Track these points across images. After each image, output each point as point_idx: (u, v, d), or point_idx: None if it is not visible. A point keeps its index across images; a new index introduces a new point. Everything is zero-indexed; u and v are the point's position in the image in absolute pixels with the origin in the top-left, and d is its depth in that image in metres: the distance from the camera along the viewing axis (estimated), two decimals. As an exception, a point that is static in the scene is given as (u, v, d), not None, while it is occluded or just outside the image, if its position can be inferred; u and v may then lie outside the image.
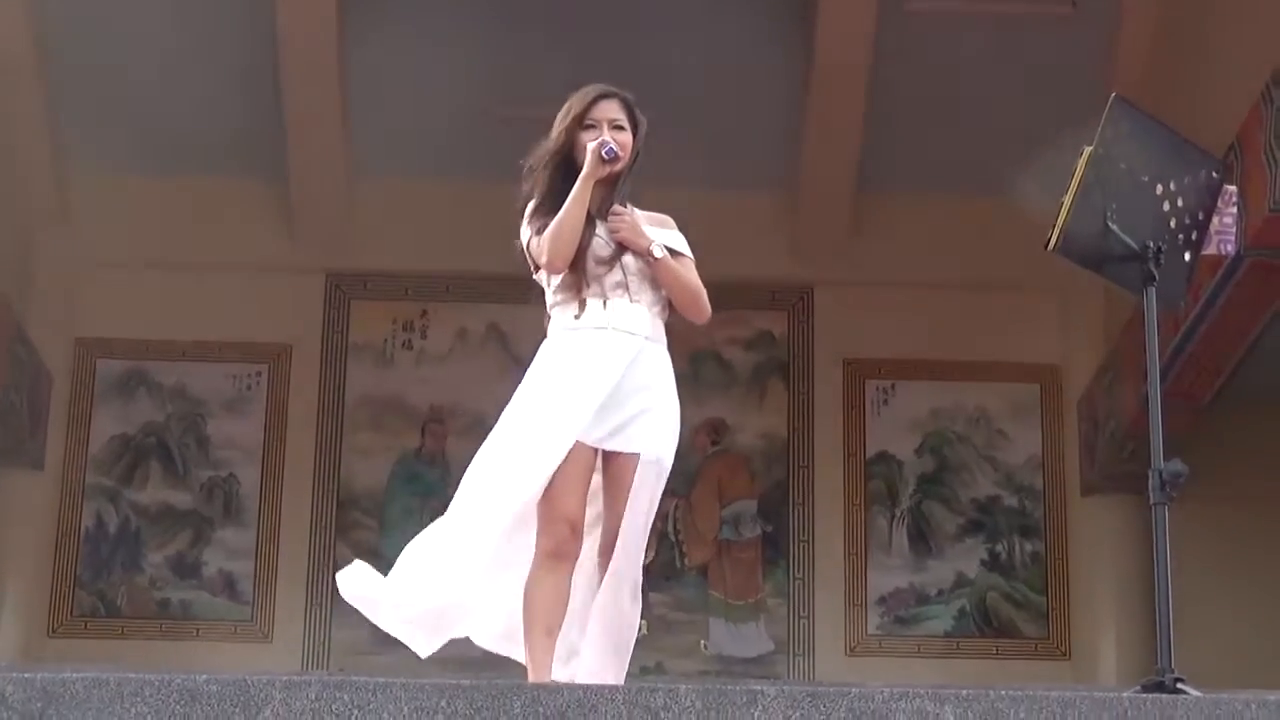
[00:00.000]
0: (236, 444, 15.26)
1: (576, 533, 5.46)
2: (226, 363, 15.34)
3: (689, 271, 5.80)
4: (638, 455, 5.48)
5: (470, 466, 5.54)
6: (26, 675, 4.47)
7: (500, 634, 5.61)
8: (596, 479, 5.57)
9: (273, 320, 15.28)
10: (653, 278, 5.70)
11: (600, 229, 5.63)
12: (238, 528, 15.16)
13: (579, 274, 5.59)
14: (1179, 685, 5.29)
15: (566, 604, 5.44)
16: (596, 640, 5.47)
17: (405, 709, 4.37)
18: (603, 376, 5.45)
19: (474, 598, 5.54)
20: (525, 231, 5.71)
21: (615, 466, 5.52)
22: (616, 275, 5.63)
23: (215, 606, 15.02)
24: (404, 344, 15.23)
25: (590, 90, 5.77)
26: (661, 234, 5.77)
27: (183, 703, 4.39)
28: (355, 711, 4.38)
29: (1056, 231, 5.72)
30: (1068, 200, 5.72)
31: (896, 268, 15.13)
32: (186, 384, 15.39)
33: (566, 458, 5.39)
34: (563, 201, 5.57)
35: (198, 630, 14.92)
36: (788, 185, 15.12)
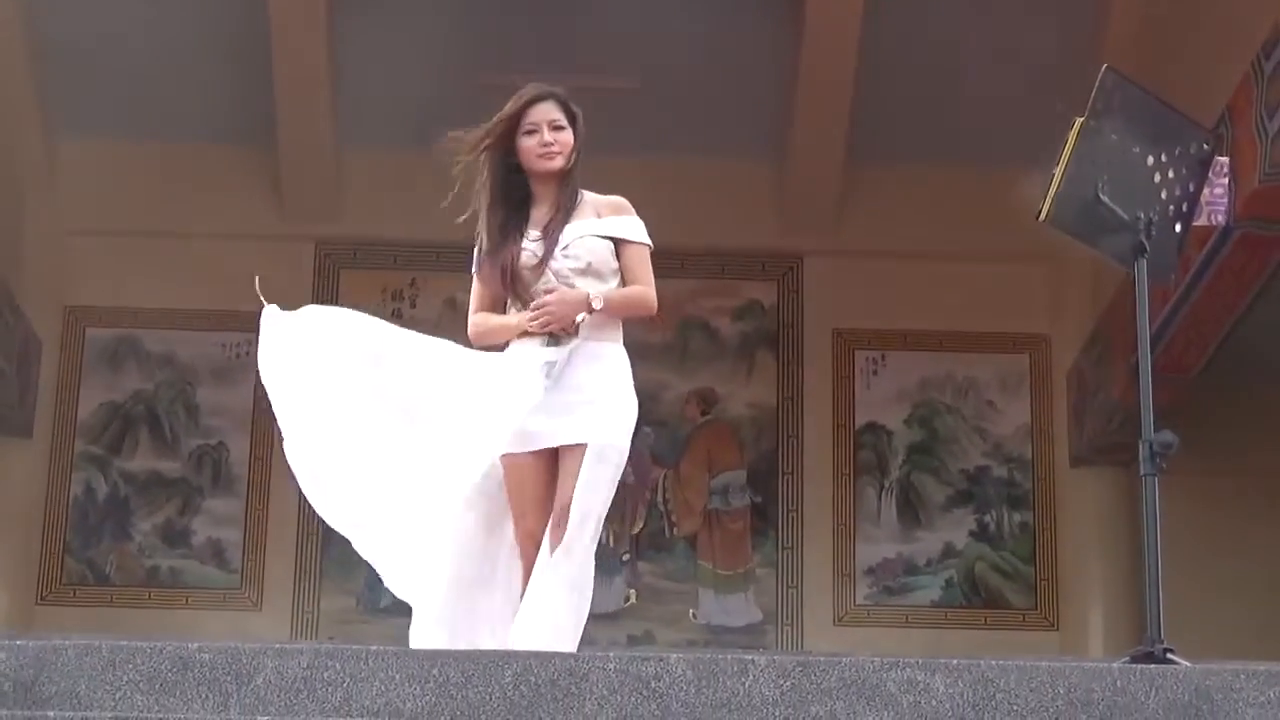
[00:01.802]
0: (225, 412, 15.25)
1: (536, 543, 5.65)
2: (216, 331, 15.31)
3: (636, 286, 5.87)
4: (583, 445, 5.60)
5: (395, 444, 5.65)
6: (18, 643, 4.48)
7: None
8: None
9: (262, 289, 15.23)
10: (588, 282, 5.75)
11: (527, 242, 5.75)
12: (227, 496, 15.16)
13: (518, 287, 5.76)
14: (1168, 655, 5.31)
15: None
16: (533, 617, 5.52)
17: (397, 677, 4.39)
18: (532, 390, 5.56)
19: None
20: (476, 257, 5.87)
21: (565, 457, 5.63)
22: (548, 281, 5.74)
23: (204, 575, 15.03)
24: (393, 313, 15.20)
25: (524, 93, 5.84)
26: (616, 221, 5.83)
27: (175, 670, 4.40)
28: (347, 679, 4.39)
29: (1047, 202, 5.73)
30: (1058, 171, 5.73)
31: (887, 238, 15.13)
32: (175, 352, 15.38)
33: (519, 471, 5.59)
34: (511, 213, 5.72)
35: (187, 598, 14.94)
36: (778, 155, 15.11)
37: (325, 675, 4.39)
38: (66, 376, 15.32)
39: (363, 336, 5.82)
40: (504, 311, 5.83)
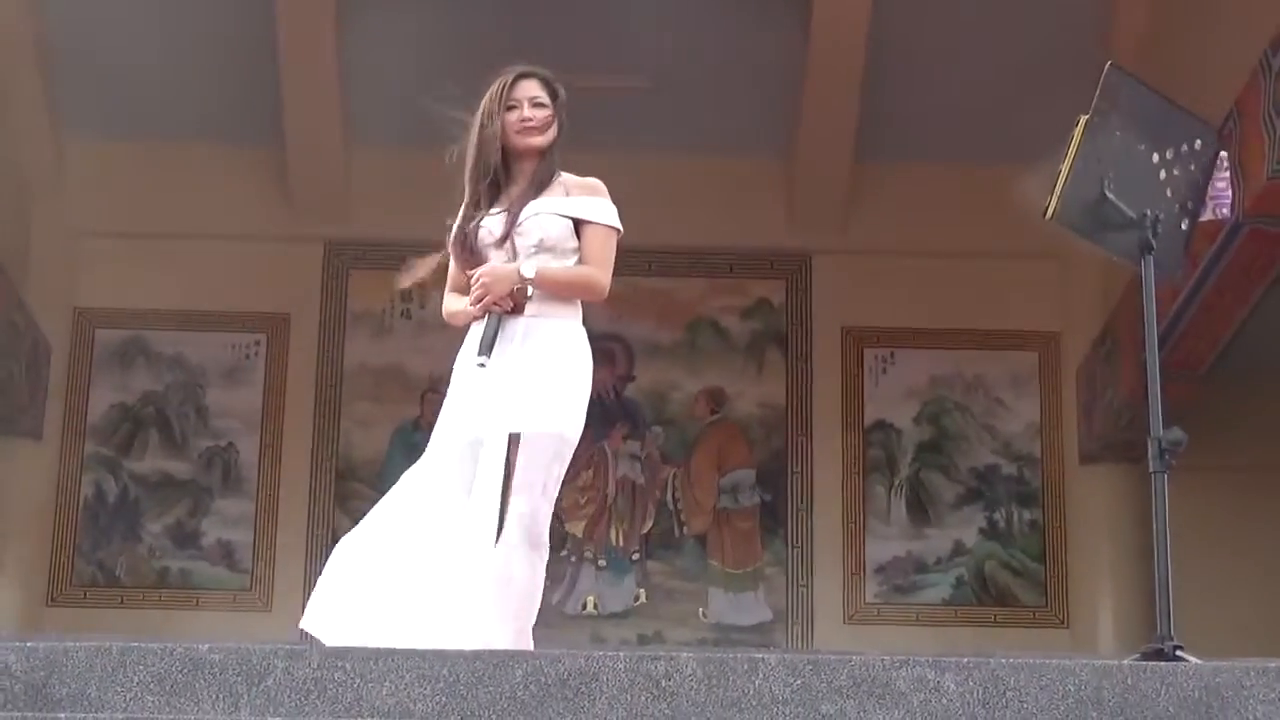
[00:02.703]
0: (235, 413, 15.27)
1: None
2: (225, 332, 15.34)
3: (585, 266, 5.79)
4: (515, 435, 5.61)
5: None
6: (29, 645, 4.49)
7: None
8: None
9: (271, 289, 15.28)
10: (543, 259, 5.75)
11: (489, 218, 5.77)
12: (237, 497, 15.18)
13: (477, 261, 5.77)
14: (1178, 653, 5.32)
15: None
16: (486, 607, 5.50)
17: (407, 677, 4.40)
18: (472, 372, 5.61)
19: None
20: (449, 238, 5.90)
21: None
22: (505, 257, 5.74)
23: (214, 576, 15.04)
24: (403, 313, 15.25)
25: (509, 72, 5.91)
26: (580, 201, 5.83)
27: (186, 671, 4.41)
28: (357, 680, 4.40)
29: (1054, 200, 5.74)
30: (1065, 169, 5.73)
31: (895, 236, 15.14)
32: (185, 353, 15.39)
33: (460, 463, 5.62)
34: (489, 186, 5.73)
35: (197, 600, 14.95)
36: (787, 154, 15.11)
37: (336, 676, 4.40)
38: (76, 378, 15.33)
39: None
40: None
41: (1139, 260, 5.79)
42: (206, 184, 14.91)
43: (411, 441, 15.02)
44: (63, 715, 4.28)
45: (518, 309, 5.66)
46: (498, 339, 5.63)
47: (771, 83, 14.48)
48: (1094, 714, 4.48)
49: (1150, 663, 5.08)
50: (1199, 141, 6.00)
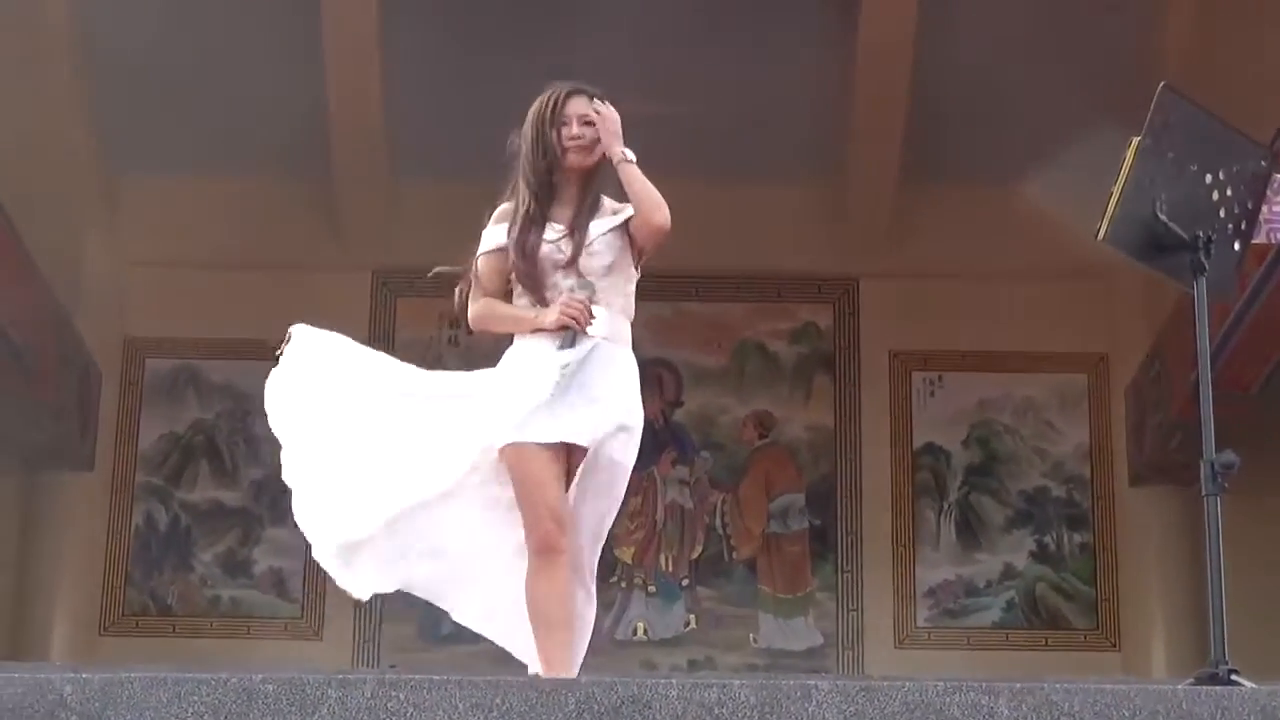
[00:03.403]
0: (285, 442, 15.29)
1: (562, 526, 5.48)
2: (274, 361, 15.37)
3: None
4: (589, 452, 5.53)
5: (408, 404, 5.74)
6: (84, 675, 4.50)
7: (479, 615, 5.72)
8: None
9: (320, 318, 15.14)
10: (613, 280, 5.68)
11: (550, 232, 5.67)
12: (287, 525, 15.03)
13: (536, 278, 5.66)
14: (1233, 677, 5.28)
15: (566, 598, 5.48)
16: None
17: (460, 706, 4.39)
18: (543, 386, 5.50)
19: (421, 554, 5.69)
20: (486, 239, 5.80)
21: (574, 462, 5.57)
22: (572, 278, 5.65)
23: (265, 604, 15.08)
24: (450, 340, 15.27)
25: (559, 88, 5.78)
26: (623, 213, 5.71)
27: (240, 702, 4.41)
28: (410, 709, 4.39)
29: (1105, 222, 5.71)
30: (1116, 191, 5.71)
31: (941, 259, 15.11)
32: (235, 382, 15.43)
33: (534, 460, 5.47)
34: (538, 199, 5.66)
35: (248, 628, 14.99)
36: (833, 178, 15.11)
37: (389, 705, 4.39)
38: (127, 408, 15.41)
39: (370, 364, 5.84)
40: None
41: (1191, 282, 5.76)
42: (255, 215, 14.97)
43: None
44: (117, 746, 4.28)
45: (581, 322, 5.56)
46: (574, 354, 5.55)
47: (818, 108, 14.49)
48: (1149, 739, 4.46)
49: (1205, 687, 5.05)
50: (1252, 162, 5.97)
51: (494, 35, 13.62)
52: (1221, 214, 5.87)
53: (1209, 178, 5.84)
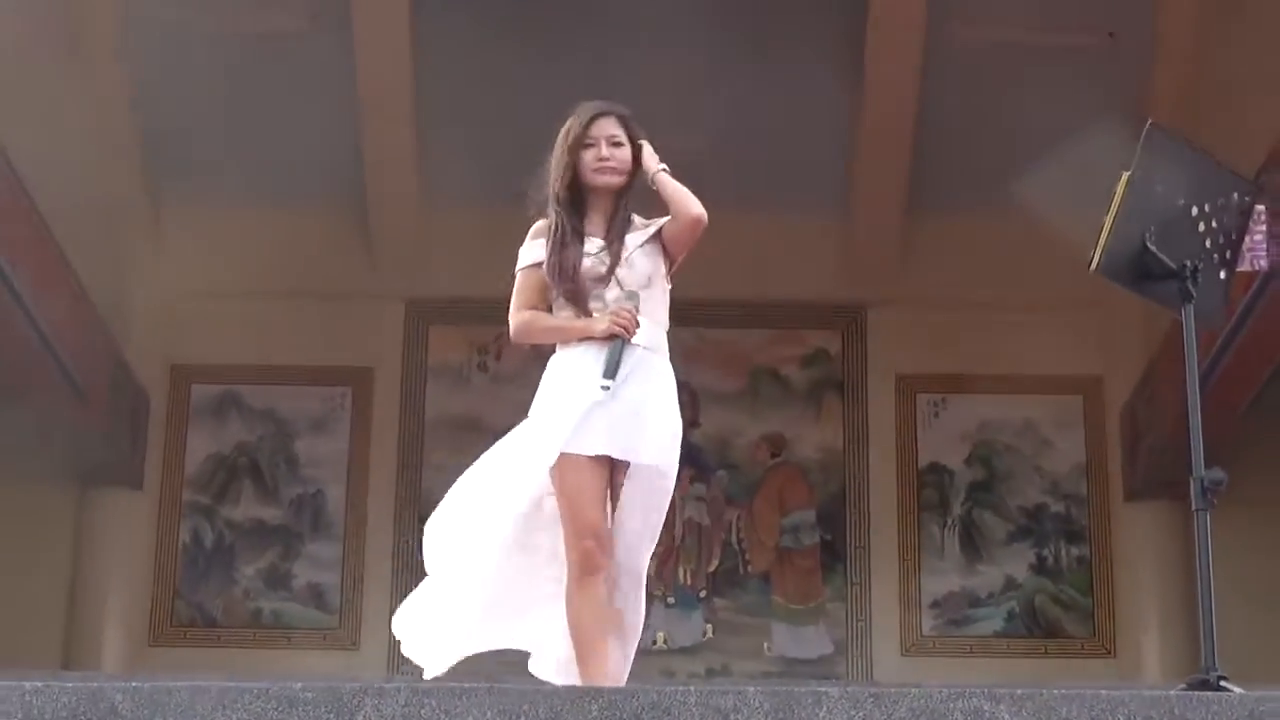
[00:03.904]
0: (323, 462, 15.33)
1: (602, 543, 5.41)
2: (313, 385, 15.40)
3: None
4: (639, 466, 5.46)
5: (471, 472, 5.66)
6: (135, 684, 4.50)
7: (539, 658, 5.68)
8: None
9: (356, 345, 15.34)
10: (651, 291, 5.61)
11: (589, 246, 5.58)
12: (325, 541, 15.22)
13: (579, 292, 5.56)
14: (1222, 683, 5.27)
15: (607, 614, 5.43)
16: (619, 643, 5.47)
17: (489, 713, 4.38)
18: (594, 390, 5.44)
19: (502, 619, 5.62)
20: (524, 255, 5.71)
21: (616, 470, 5.49)
22: (614, 290, 5.56)
23: (305, 616, 15.08)
24: (479, 366, 15.29)
25: (588, 109, 5.67)
26: (655, 225, 5.66)
27: (281, 709, 4.41)
28: (442, 716, 4.39)
29: (1098, 252, 5.71)
30: (1108, 223, 5.71)
31: (945, 288, 15.10)
32: (276, 406, 15.47)
33: (579, 472, 5.40)
34: (570, 222, 5.58)
35: (289, 638, 14.99)
36: (841, 212, 15.11)
37: (422, 712, 4.39)
38: (174, 430, 15.42)
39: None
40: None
41: (1180, 308, 5.76)
42: (294, 246, 14.97)
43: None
44: (166, 752, 4.29)
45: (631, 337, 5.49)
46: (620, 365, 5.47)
47: (826, 145, 14.50)
48: (1143, 742, 4.45)
49: (1196, 692, 5.04)
50: (1236, 195, 5.97)
51: (522, 73, 13.64)
52: (1208, 244, 5.86)
53: (1195, 210, 5.84)
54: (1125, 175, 5.72)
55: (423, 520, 14.91)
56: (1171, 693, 4.90)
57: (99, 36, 13.79)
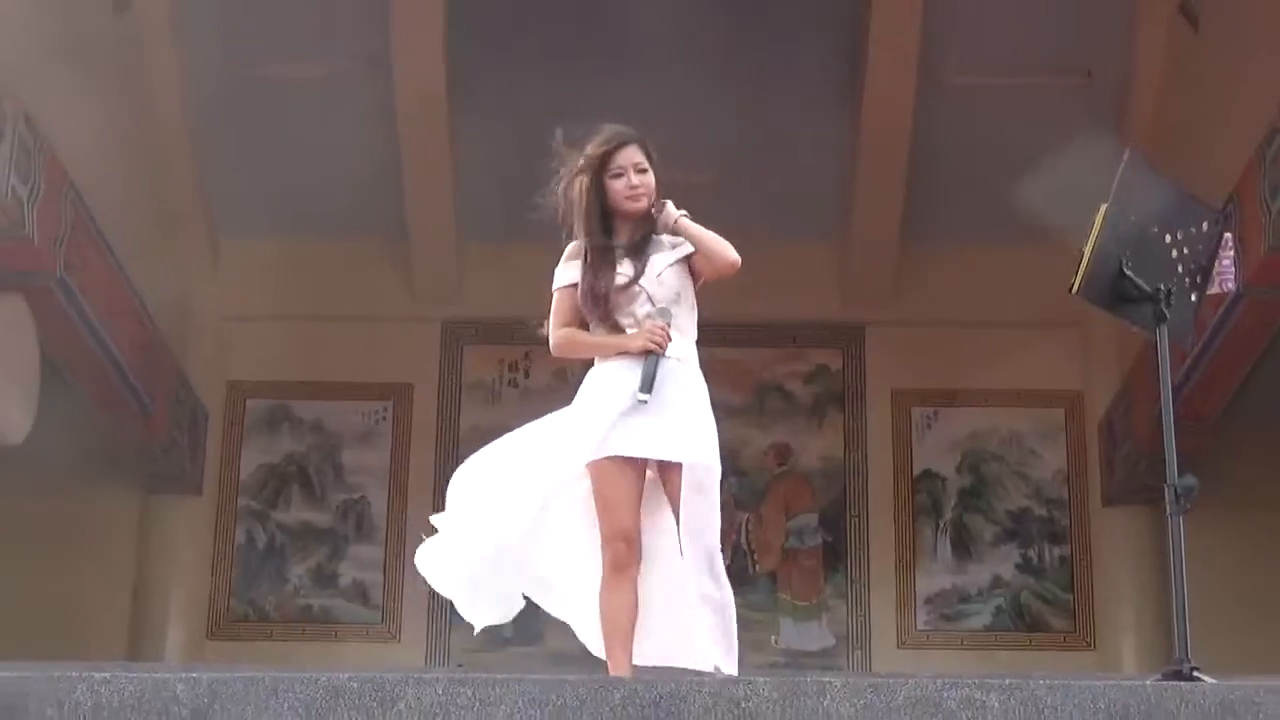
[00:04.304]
0: (367, 471, 15.33)
1: (632, 546, 5.39)
2: (357, 400, 15.41)
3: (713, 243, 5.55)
4: (680, 466, 5.44)
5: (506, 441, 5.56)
6: (194, 675, 4.50)
7: (574, 615, 5.62)
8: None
9: (396, 363, 15.36)
10: (681, 307, 5.58)
11: (621, 266, 5.54)
12: (369, 543, 15.21)
13: (611, 314, 5.53)
14: (1195, 673, 5.25)
15: (634, 609, 5.41)
16: (708, 631, 5.42)
17: (520, 701, 4.38)
18: (628, 395, 5.42)
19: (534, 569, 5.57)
20: (560, 275, 5.67)
21: (665, 474, 5.47)
22: (645, 306, 5.53)
23: (350, 611, 15.07)
24: (510, 382, 15.28)
25: (610, 138, 5.63)
26: (686, 243, 5.62)
27: (328, 698, 4.40)
28: (477, 704, 4.38)
29: (1078, 277, 5.70)
30: (1087, 250, 5.70)
31: (937, 309, 15.08)
32: (323, 419, 15.47)
33: (616, 478, 5.37)
34: (602, 244, 5.54)
35: (335, 632, 14.98)
36: (841, 239, 15.11)
37: (459, 701, 4.38)
38: (230, 442, 15.43)
39: (508, 438, 5.69)
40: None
41: (1154, 329, 5.75)
42: (340, 273, 15.02)
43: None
44: (222, 737, 4.28)
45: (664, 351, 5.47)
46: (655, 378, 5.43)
47: (827, 177, 14.50)
48: (1122, 729, 4.43)
49: (1171, 682, 5.02)
50: (1205, 223, 5.95)
51: (549, 116, 13.64)
52: (1180, 269, 5.85)
53: (1168, 237, 5.83)
54: (1103, 207, 5.72)
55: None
56: (1148, 682, 4.88)
57: (163, 81, 13.83)
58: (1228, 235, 6.12)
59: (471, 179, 14.42)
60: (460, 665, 13.95)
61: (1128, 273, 5.72)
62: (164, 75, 13.81)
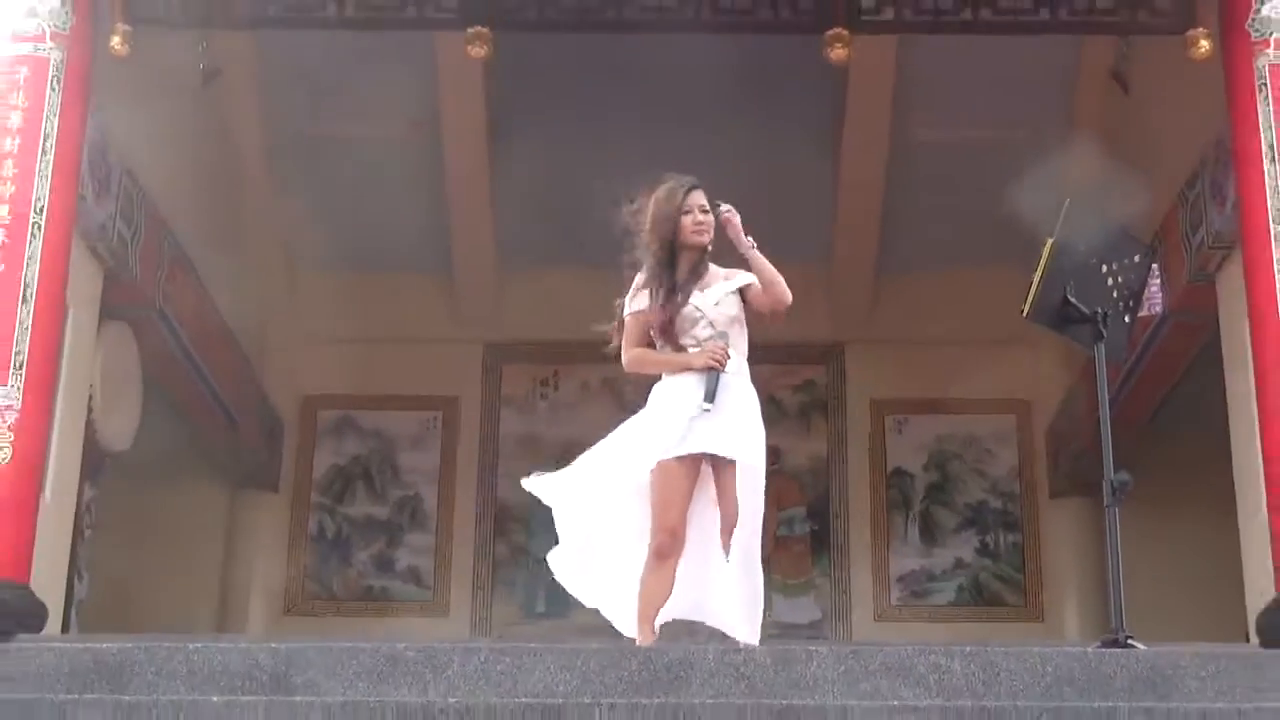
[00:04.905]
0: (420, 471, 15.31)
1: (677, 538, 5.45)
2: (411, 411, 15.39)
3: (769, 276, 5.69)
4: (735, 463, 5.52)
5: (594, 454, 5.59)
6: (273, 646, 4.51)
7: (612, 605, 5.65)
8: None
9: (444, 379, 15.35)
10: (736, 329, 5.67)
11: (689, 294, 5.63)
12: (422, 533, 15.19)
13: (675, 332, 5.61)
14: (1129, 641, 5.24)
15: (669, 593, 5.44)
16: (736, 603, 5.47)
17: (551, 667, 4.39)
18: (693, 405, 5.47)
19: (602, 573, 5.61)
20: (631, 303, 5.72)
21: (720, 471, 5.53)
22: (706, 329, 5.61)
23: (406, 591, 15.04)
24: (541, 395, 15.25)
25: (685, 183, 5.81)
26: (743, 274, 5.72)
27: (388, 664, 4.42)
28: (515, 670, 4.40)
29: (1029, 303, 5.73)
30: (1037, 279, 5.72)
31: (908, 329, 15.04)
32: (382, 427, 15.46)
33: (673, 477, 5.42)
34: (669, 276, 5.60)
35: (393, 609, 14.94)
36: (825, 269, 15.05)
37: (499, 667, 4.40)
38: (303, 446, 15.43)
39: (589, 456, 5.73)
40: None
41: (1093, 346, 5.75)
42: (396, 302, 15.01)
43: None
44: (298, 698, 4.30)
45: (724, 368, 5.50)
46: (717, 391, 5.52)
47: (812, 214, 14.43)
48: (1066, 689, 4.43)
49: (1108, 649, 5.01)
50: (1137, 256, 5.97)
51: (580, 162, 13.65)
52: (1115, 295, 5.87)
53: (1105, 268, 5.85)
54: (1050, 241, 5.73)
55: (498, 516, 14.88)
56: (1089, 649, 4.88)
57: (247, 139, 13.86)
58: (1155, 266, 6.12)
59: (509, 222, 14.42)
60: (501, 636, 13.93)
61: (1071, 299, 5.73)
62: (247, 134, 13.84)
